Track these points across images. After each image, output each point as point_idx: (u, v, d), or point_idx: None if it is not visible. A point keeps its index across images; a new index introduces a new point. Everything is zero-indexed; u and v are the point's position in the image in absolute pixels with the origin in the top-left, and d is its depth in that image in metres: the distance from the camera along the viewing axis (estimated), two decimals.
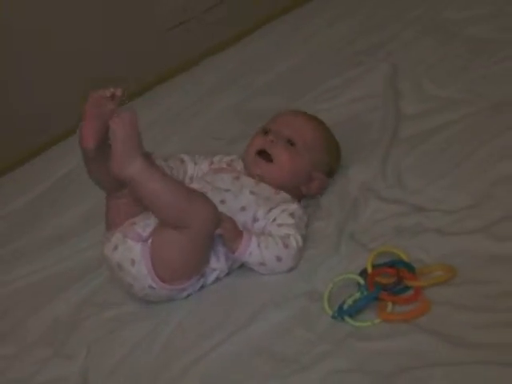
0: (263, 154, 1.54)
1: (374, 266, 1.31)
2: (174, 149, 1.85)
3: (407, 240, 1.39)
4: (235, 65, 2.23)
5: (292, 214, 1.48)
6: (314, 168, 1.56)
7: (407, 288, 1.29)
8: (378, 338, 1.23)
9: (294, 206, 1.50)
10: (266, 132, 1.57)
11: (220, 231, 1.38)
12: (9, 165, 2.33)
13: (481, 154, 1.51)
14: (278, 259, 1.42)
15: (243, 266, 1.46)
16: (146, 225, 1.39)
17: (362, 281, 1.30)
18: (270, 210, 1.49)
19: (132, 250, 1.38)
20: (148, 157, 1.36)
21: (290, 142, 1.54)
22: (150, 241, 1.38)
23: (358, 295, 1.29)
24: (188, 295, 1.44)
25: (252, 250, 1.40)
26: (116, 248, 1.40)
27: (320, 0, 2.37)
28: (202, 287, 1.45)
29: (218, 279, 1.46)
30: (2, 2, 2.31)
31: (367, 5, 2.23)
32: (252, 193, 1.50)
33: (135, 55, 2.49)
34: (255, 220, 1.48)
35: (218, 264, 1.44)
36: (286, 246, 1.42)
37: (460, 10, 2.00)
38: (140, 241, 1.38)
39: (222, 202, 1.47)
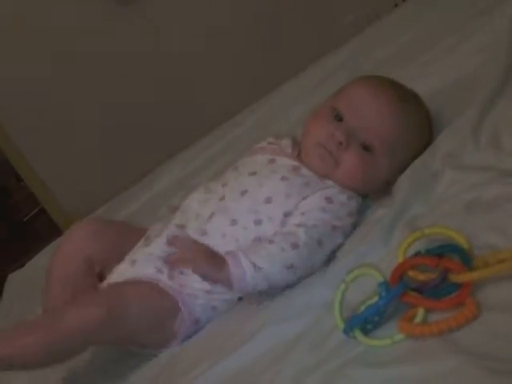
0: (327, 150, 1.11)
1: (417, 254, 0.87)
2: None
3: (480, 217, 0.92)
4: None
5: (329, 199, 1.07)
6: (392, 174, 1.11)
7: (455, 286, 0.82)
8: (396, 361, 0.79)
9: (333, 190, 1.08)
10: (337, 117, 1.11)
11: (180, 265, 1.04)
12: None
13: None
14: (289, 267, 1.01)
15: None
16: None
17: (380, 276, 0.85)
18: (305, 198, 1.08)
19: None
20: None
21: (365, 147, 1.10)
22: None
23: (375, 298, 0.85)
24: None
25: (252, 275, 1.00)
26: None
27: None
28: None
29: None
30: None
31: None
32: (284, 179, 1.10)
33: None
34: (287, 215, 1.07)
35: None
36: (295, 246, 1.01)
37: None
38: None
39: (243, 193, 1.10)
